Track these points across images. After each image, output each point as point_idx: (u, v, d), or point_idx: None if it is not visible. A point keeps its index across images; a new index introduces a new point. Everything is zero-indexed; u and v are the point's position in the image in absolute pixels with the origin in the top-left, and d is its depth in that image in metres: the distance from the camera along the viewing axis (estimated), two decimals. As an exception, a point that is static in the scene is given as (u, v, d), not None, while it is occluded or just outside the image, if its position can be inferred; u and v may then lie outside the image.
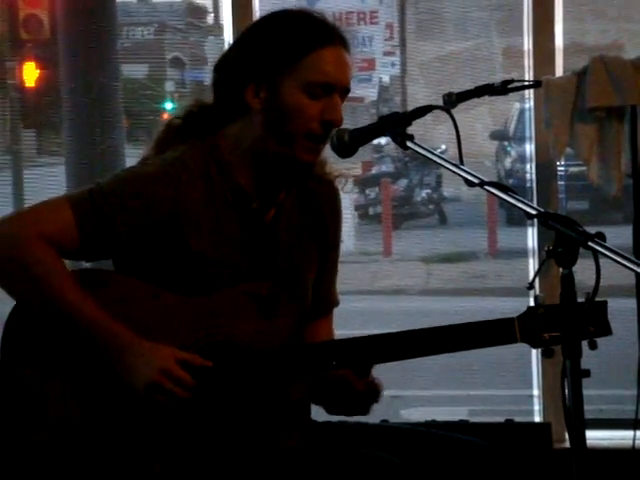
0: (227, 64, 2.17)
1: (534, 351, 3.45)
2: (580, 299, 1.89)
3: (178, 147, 2.14)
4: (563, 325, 1.92)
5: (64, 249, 2.04)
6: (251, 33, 2.17)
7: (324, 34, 2.10)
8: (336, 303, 2.32)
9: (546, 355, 1.97)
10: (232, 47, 2.20)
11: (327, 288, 2.28)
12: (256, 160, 2.13)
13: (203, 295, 2.07)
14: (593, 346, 1.92)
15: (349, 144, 2.08)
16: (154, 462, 2.03)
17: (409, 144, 2.02)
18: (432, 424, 2.98)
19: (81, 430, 2.04)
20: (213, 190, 2.11)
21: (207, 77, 4.59)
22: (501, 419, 3.18)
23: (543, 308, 1.98)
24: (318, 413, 2.21)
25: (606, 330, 1.96)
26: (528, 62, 3.65)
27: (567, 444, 3.45)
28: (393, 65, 5.28)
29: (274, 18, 2.16)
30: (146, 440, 2.03)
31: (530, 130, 3.70)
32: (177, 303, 2.07)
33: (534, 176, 3.70)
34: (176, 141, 2.17)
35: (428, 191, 6.67)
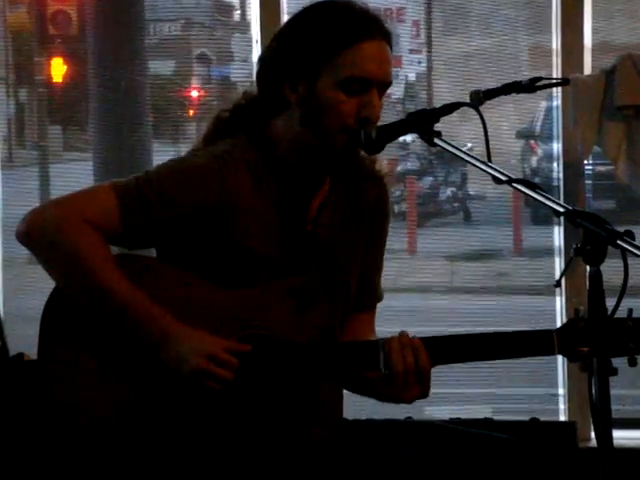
0: (267, 58, 2.17)
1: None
2: (611, 302, 1.87)
3: (227, 140, 2.15)
4: (602, 340, 1.90)
5: (106, 235, 2.05)
6: (291, 26, 2.16)
7: (363, 28, 2.07)
8: (380, 298, 2.32)
9: (585, 369, 1.90)
10: (273, 40, 2.19)
11: (370, 282, 2.28)
12: (297, 154, 2.14)
13: (242, 287, 2.08)
14: (632, 363, 1.90)
15: (376, 140, 2.07)
16: (183, 449, 2.04)
17: (437, 141, 2.01)
18: (456, 422, 2.98)
19: (112, 413, 2.05)
20: (259, 184, 2.12)
21: (233, 73, 4.60)
22: (526, 418, 3.17)
23: (583, 321, 1.96)
24: (347, 411, 2.22)
25: None
26: (556, 60, 3.64)
27: (592, 443, 3.46)
28: (419, 62, 5.27)
29: (315, 10, 2.14)
30: (175, 428, 2.05)
31: (557, 128, 3.69)
32: (216, 294, 2.08)
33: (561, 175, 3.69)
34: (224, 134, 2.18)
35: (453, 189, 6.64)
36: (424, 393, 2.03)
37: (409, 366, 1.98)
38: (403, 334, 2.01)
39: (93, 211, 2.05)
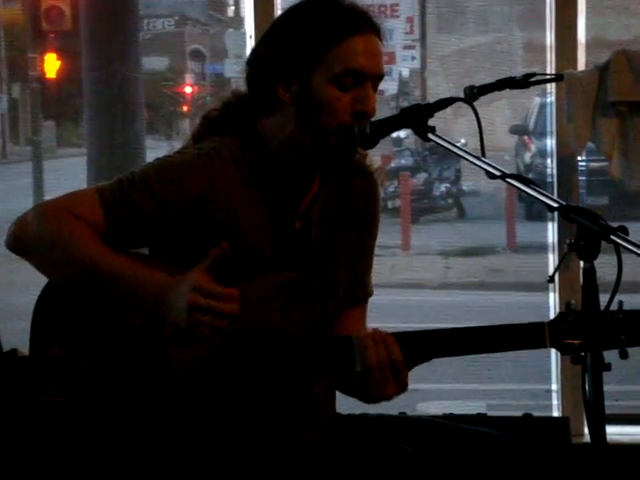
0: (257, 59, 2.16)
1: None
2: (604, 298, 1.87)
3: (215, 138, 2.15)
4: (593, 333, 1.91)
5: None
6: (279, 26, 2.16)
7: (351, 23, 2.07)
8: (370, 293, 2.32)
9: (575, 362, 1.91)
10: (261, 41, 2.19)
11: (361, 277, 2.28)
12: (291, 153, 2.13)
13: (232, 283, 2.07)
14: (624, 355, 1.89)
15: (370, 136, 2.07)
16: (174, 446, 2.04)
17: (430, 136, 2.01)
18: (450, 417, 2.98)
19: (103, 412, 2.05)
20: (247, 181, 2.11)
21: (227, 69, 4.60)
22: (519, 413, 3.17)
23: (574, 314, 1.96)
24: (341, 406, 2.22)
25: (638, 340, 1.91)
26: (550, 56, 3.63)
27: (585, 439, 3.46)
28: (413, 59, 5.27)
29: (301, 8, 2.14)
30: (166, 426, 2.05)
31: (551, 124, 3.68)
32: None
33: (554, 171, 3.69)
34: (213, 132, 2.17)
35: (447, 185, 6.65)
36: (402, 388, 2.04)
37: (382, 359, 1.99)
38: (375, 330, 2.02)
39: (77, 211, 2.05)
